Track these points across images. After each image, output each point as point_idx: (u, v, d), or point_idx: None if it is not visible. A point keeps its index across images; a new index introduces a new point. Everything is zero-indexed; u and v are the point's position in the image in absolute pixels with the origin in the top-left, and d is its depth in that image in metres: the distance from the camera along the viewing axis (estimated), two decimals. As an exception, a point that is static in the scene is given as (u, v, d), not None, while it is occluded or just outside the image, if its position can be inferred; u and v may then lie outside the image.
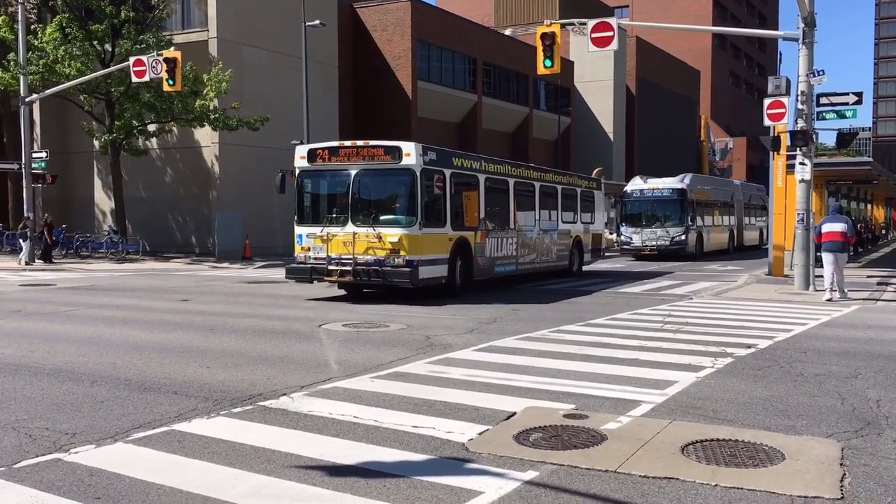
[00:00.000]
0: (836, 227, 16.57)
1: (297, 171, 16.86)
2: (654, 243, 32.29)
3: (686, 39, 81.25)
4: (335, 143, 17.04)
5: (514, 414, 6.82)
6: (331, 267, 16.03)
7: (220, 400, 7.38)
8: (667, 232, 32.22)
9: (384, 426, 6.44)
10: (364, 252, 15.78)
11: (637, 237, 32.76)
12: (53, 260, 28.92)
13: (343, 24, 40.30)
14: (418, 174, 15.67)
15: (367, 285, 16.65)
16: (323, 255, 16.16)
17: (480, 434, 6.23)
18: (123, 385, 8.05)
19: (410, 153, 15.62)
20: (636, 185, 34.10)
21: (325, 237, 16.12)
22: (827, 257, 16.57)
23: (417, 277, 15.66)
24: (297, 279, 17.23)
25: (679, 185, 32.87)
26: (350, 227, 15.93)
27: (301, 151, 16.88)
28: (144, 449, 5.87)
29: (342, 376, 8.46)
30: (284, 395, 7.59)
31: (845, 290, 16.78)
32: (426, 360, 9.38)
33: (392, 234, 15.63)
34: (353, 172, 16.05)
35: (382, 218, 15.94)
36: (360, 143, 16.40)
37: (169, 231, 34.48)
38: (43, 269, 26.32)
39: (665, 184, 33.43)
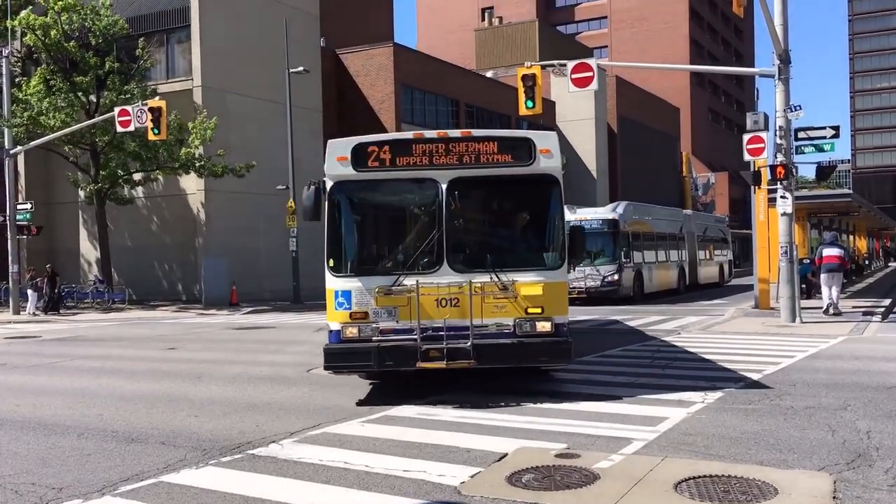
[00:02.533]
0: (833, 251, 20.06)
1: (333, 185, 9.70)
2: (581, 284, 26.98)
3: (665, 77, 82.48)
4: (405, 135, 10.12)
5: (506, 455, 6.79)
6: (427, 346, 9.24)
7: (209, 449, 7.31)
8: (597, 270, 27.24)
9: (375, 471, 6.39)
10: (481, 315, 9.31)
11: None
12: (60, 312, 28.92)
13: (327, 70, 40.71)
14: (562, 183, 9.88)
15: (490, 372, 10.28)
16: (406, 324, 9.35)
17: (472, 476, 6.19)
18: (110, 437, 7.96)
19: (550, 149, 9.71)
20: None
21: (405, 292, 9.34)
22: (825, 277, 19.85)
23: (571, 352, 9.65)
24: (350, 370, 10.19)
25: (610, 216, 28.23)
26: (448, 274, 9.39)
27: (339, 149, 9.70)
28: (132, 502, 5.80)
29: (331, 422, 8.40)
30: (274, 442, 7.53)
31: (839, 307, 19.72)
32: (416, 404, 9.33)
33: (531, 283, 9.40)
34: (444, 183, 9.52)
35: (506, 257, 9.92)
36: (454, 132, 9.90)
37: (155, 279, 34.32)
38: (38, 322, 26.15)
39: (595, 214, 28.80)
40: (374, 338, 9.27)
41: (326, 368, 9.66)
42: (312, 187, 9.89)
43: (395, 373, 9.98)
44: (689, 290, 33.56)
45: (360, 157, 9.58)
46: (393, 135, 10.09)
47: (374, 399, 9.73)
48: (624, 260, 27.72)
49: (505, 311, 9.33)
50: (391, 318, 9.32)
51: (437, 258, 9.44)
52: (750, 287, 32.83)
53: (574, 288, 26.06)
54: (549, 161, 9.63)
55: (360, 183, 9.79)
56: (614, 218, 28.04)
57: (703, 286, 35.77)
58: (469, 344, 9.13)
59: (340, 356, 9.45)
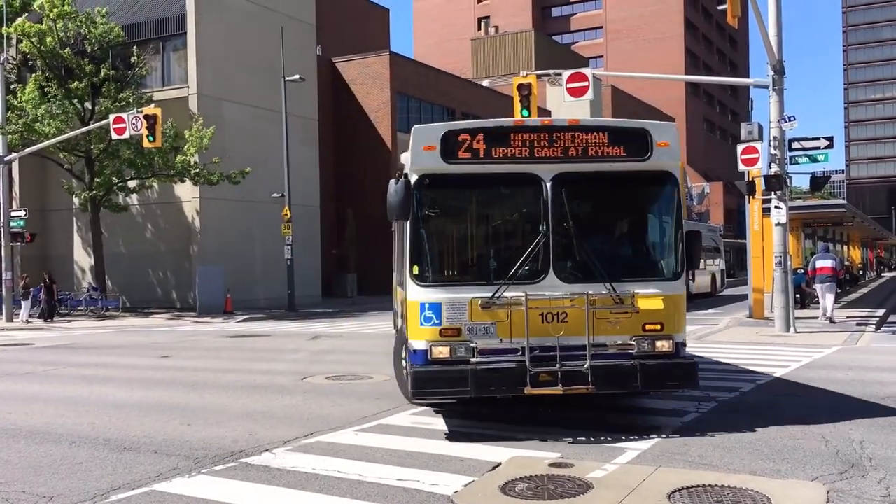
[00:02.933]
0: (826, 263, 20.73)
1: (418, 178, 8.26)
2: None
3: (660, 88, 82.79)
4: (504, 121, 8.86)
5: (500, 464, 6.78)
6: (537, 369, 7.89)
7: (202, 458, 7.28)
8: None
9: (368, 480, 6.37)
10: (593, 332, 8.01)
11: None
12: (54, 319, 28.78)
13: (322, 79, 40.77)
14: (680, 181, 8.75)
15: (587, 403, 9.20)
16: (508, 343, 8.00)
17: (466, 486, 6.18)
18: (102, 445, 7.93)
19: (669, 142, 8.41)
20: None
21: (506, 306, 8.00)
22: (820, 288, 20.74)
23: (697, 375, 8.37)
24: (442, 396, 8.58)
25: None
26: (554, 285, 8.13)
27: (426, 137, 8.28)
28: (124, 511, 5.77)
29: (326, 430, 8.37)
30: (267, 450, 7.50)
31: (834, 317, 20.36)
32: (410, 412, 9.31)
33: (651, 296, 8.23)
34: (549, 179, 8.28)
35: (619, 265, 8.53)
36: (560, 120, 8.72)
37: (149, 287, 34.23)
38: (31, 329, 26.06)
39: None
40: (470, 359, 7.86)
41: (415, 397, 8.24)
42: (402, 181, 8.12)
43: (481, 400, 8.50)
44: None
45: (450, 146, 8.17)
46: (489, 121, 8.65)
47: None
48: None
49: (620, 328, 8.06)
50: (489, 336, 7.93)
51: (542, 266, 8.09)
52: (743, 297, 32.83)
53: None
54: (667, 155, 8.33)
55: (450, 177, 8.28)
56: None
57: (695, 296, 34.16)
58: (587, 366, 7.81)
59: (431, 382, 7.86)
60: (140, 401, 10.66)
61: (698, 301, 33.77)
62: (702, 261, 36.02)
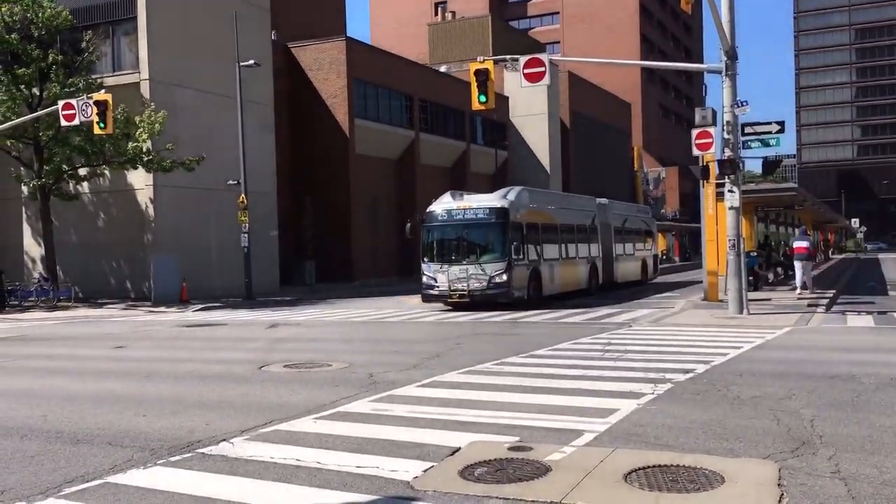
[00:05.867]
0: (802, 243, 24.52)
1: None
2: (463, 286, 22.74)
3: (616, 73, 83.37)
4: None
5: (459, 449, 6.80)
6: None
7: (157, 449, 7.18)
8: (482, 269, 22.70)
9: (327, 468, 6.35)
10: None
11: (443, 277, 22.99)
12: (4, 310, 28.12)
13: (278, 64, 40.24)
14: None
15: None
16: None
17: (425, 471, 6.19)
18: (55, 438, 7.78)
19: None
20: (444, 203, 24.25)
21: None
22: (797, 264, 24.19)
23: None
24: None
25: (499, 204, 23.38)
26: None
27: None
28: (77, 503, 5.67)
29: (284, 419, 8.32)
30: (224, 440, 7.43)
31: (811, 286, 24.12)
32: (369, 399, 9.29)
33: None
34: None
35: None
36: None
37: (103, 276, 33.59)
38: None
39: (481, 202, 23.82)
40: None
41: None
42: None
43: None
44: (603, 290, 29.58)
45: None
46: None
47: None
48: (516, 256, 22.93)
49: None
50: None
51: None
52: (679, 285, 32.70)
53: (454, 291, 22.86)
54: None
55: None
56: (503, 206, 23.21)
57: (620, 284, 31.86)
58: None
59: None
60: (94, 392, 10.48)
61: (621, 291, 30.38)
62: (630, 245, 33.89)
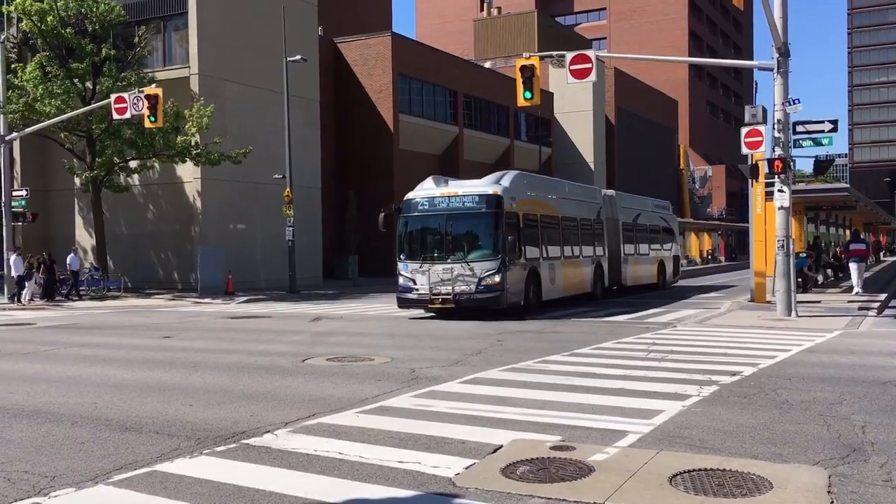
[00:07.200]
0: (859, 246, 25.90)
1: None
2: (448, 289, 19.21)
3: (663, 70, 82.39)
4: None
5: (501, 447, 6.77)
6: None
7: (203, 439, 7.28)
8: (470, 269, 19.17)
9: (370, 462, 6.37)
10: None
11: (423, 278, 19.54)
12: (55, 299, 28.81)
13: (324, 59, 40.55)
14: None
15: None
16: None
17: (467, 468, 6.17)
18: (104, 425, 7.93)
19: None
20: (426, 190, 20.67)
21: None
22: (853, 266, 25.16)
23: None
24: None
25: (490, 190, 19.76)
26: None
27: None
28: (126, 491, 5.77)
29: (326, 412, 8.38)
30: (268, 432, 7.50)
31: (861, 288, 24.58)
32: (411, 394, 9.31)
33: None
34: None
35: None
36: None
37: (151, 267, 34.24)
38: (33, 309, 26.11)
39: (470, 189, 20.16)
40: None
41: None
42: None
43: None
44: (608, 295, 26.43)
45: None
46: None
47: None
48: (511, 254, 19.43)
49: None
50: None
51: None
52: (699, 290, 30.36)
53: (437, 295, 19.32)
54: None
55: None
56: (496, 193, 19.55)
57: (631, 289, 28.46)
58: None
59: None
60: (142, 381, 10.67)
61: (632, 297, 26.97)
62: (644, 244, 29.72)
